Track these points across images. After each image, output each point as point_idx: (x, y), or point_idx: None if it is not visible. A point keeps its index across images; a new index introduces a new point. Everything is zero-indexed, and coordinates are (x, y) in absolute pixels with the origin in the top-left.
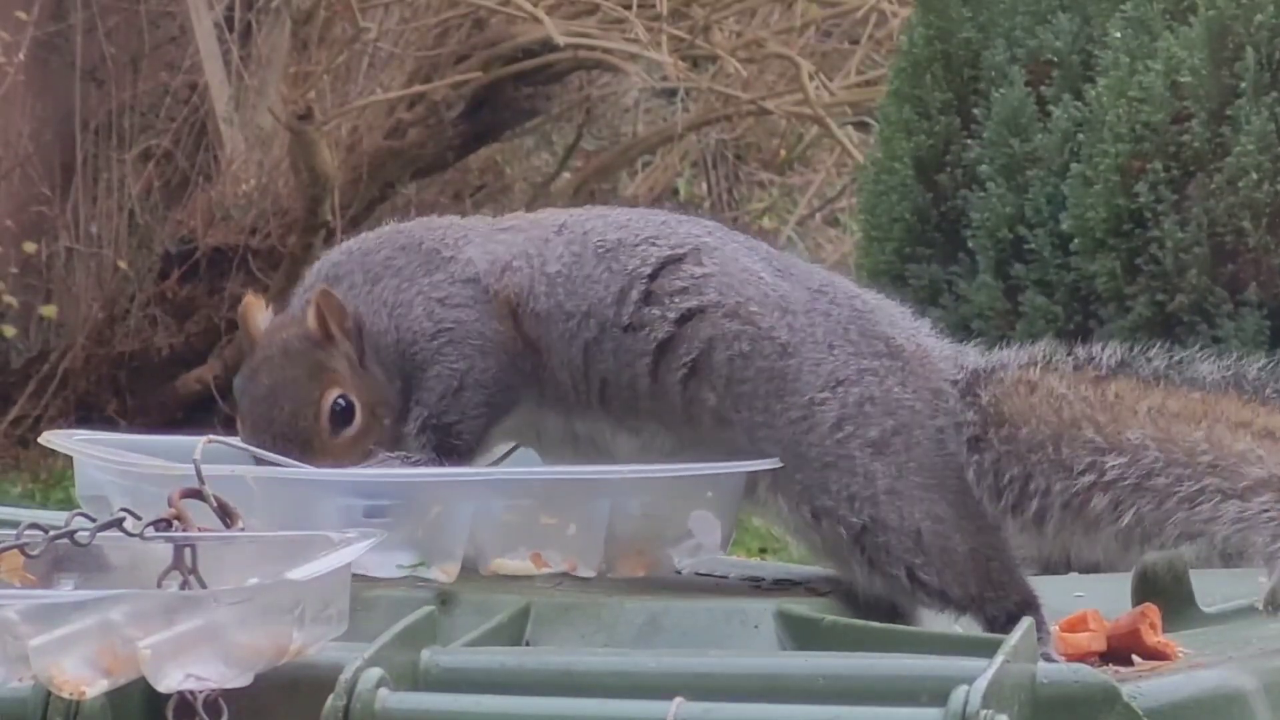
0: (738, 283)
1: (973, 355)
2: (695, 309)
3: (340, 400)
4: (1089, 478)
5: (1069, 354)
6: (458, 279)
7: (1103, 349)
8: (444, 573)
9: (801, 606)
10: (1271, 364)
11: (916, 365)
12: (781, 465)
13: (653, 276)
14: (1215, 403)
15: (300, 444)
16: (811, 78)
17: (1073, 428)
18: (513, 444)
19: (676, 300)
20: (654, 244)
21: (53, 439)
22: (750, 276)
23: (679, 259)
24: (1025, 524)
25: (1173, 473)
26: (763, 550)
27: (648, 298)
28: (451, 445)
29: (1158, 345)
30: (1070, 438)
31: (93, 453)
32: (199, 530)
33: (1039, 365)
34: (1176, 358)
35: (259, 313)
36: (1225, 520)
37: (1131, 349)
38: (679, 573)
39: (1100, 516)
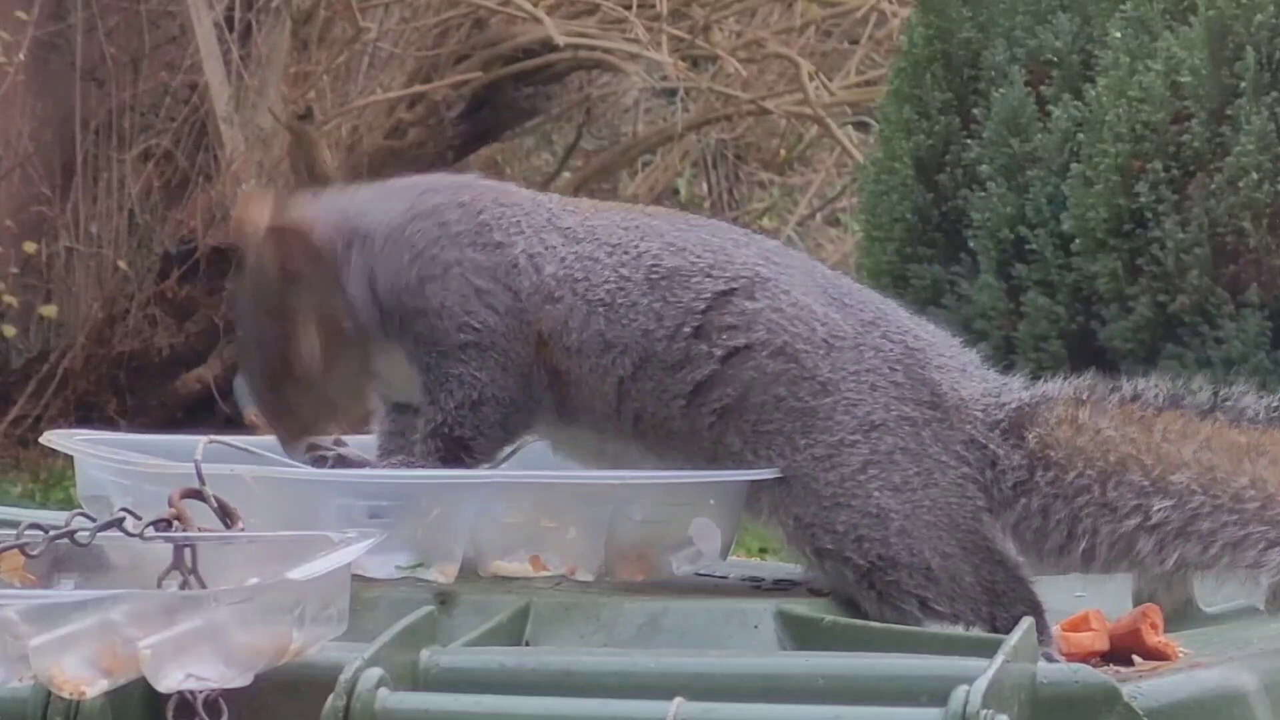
0: (788, 319)
1: (1016, 389)
2: (742, 346)
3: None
4: (1134, 520)
5: (1114, 389)
6: (500, 278)
7: (1149, 384)
8: (442, 574)
9: (801, 606)
10: None
11: (955, 417)
12: (784, 487)
13: (706, 311)
14: (1262, 442)
15: (282, 390)
16: (811, 78)
17: (1119, 470)
18: (516, 444)
19: (725, 337)
20: (710, 275)
21: (53, 439)
22: (802, 312)
23: (733, 292)
24: (1072, 564)
25: (1219, 518)
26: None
27: (698, 332)
28: (459, 459)
29: (1202, 379)
30: (1117, 480)
31: (93, 452)
32: (199, 530)
33: (1085, 403)
34: (1224, 394)
35: (260, 209)
36: (1270, 568)
37: (1178, 382)
38: (697, 574)
39: (1146, 559)
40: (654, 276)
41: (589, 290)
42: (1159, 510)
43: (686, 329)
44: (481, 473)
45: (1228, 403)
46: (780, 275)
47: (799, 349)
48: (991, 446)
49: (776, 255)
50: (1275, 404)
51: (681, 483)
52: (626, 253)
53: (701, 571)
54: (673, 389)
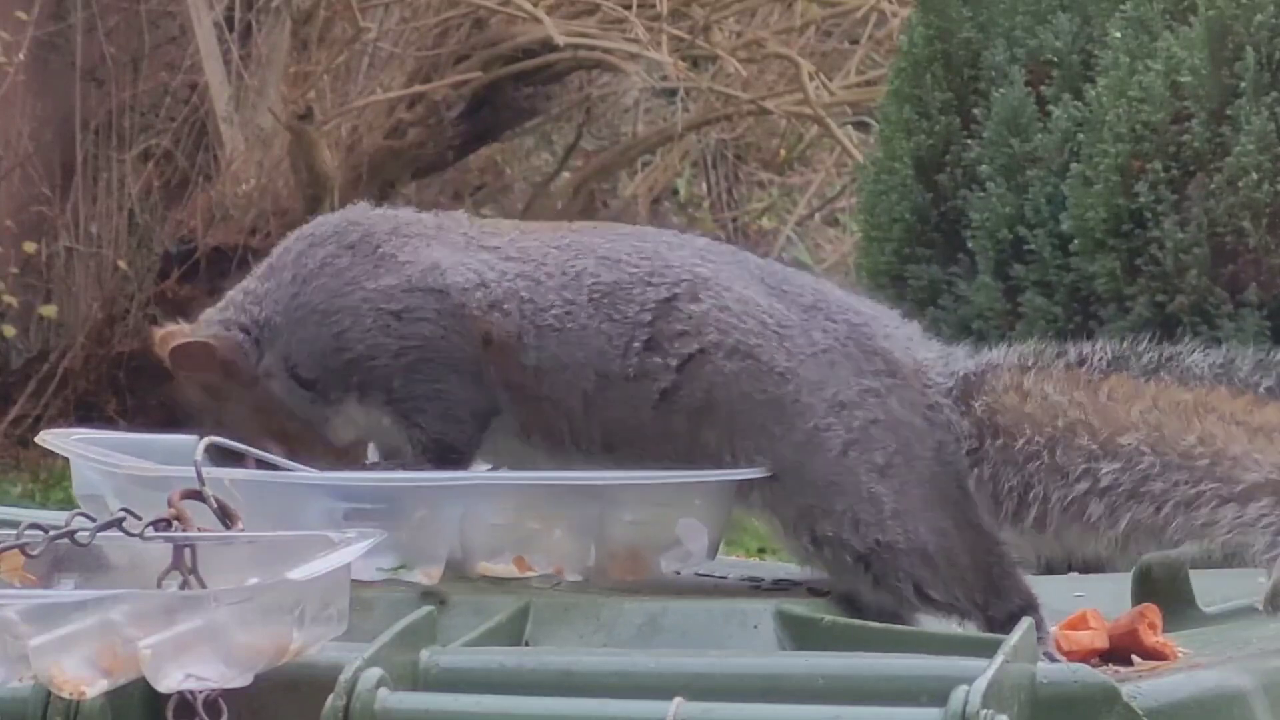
0: (735, 315)
1: (961, 357)
2: (696, 352)
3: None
4: (1084, 484)
5: (1060, 354)
6: (418, 285)
7: (1094, 347)
8: (426, 576)
9: (801, 606)
10: (1263, 357)
11: (914, 380)
12: (776, 482)
13: (652, 322)
14: (1209, 400)
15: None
16: (811, 78)
17: (1067, 435)
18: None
19: (677, 345)
20: (650, 284)
21: (48, 438)
22: (748, 306)
23: (675, 298)
24: (1025, 530)
25: (1169, 477)
26: (762, 550)
27: (649, 344)
28: (451, 461)
29: (1148, 339)
30: (1065, 445)
31: (80, 451)
32: (199, 530)
33: (1031, 369)
34: (1169, 352)
35: (167, 338)
36: (1223, 525)
37: (1122, 343)
38: (678, 573)
39: (1098, 522)
40: (595, 295)
41: (537, 314)
42: (1108, 473)
43: (637, 344)
44: (466, 474)
45: (1173, 361)
46: (719, 272)
47: (752, 344)
48: (947, 412)
49: (710, 252)
50: (1220, 361)
51: (666, 483)
52: (565, 274)
53: (701, 571)
54: (639, 397)
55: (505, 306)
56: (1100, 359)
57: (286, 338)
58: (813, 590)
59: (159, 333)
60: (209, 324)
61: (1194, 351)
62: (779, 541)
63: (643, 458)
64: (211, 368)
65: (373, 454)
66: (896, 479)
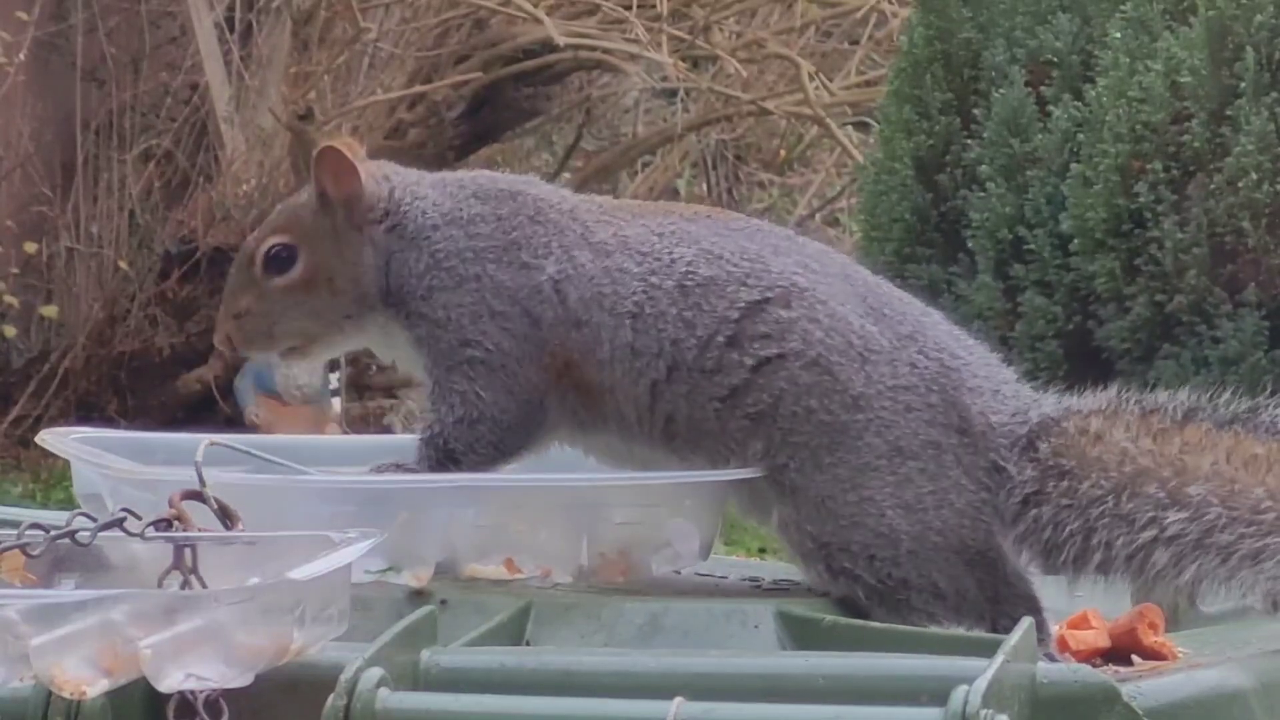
0: (823, 330)
1: (1046, 404)
2: (775, 356)
3: (278, 249)
4: (1150, 532)
5: (1136, 402)
6: (520, 300)
7: (1172, 395)
8: (415, 578)
9: (801, 606)
10: None
11: (980, 441)
12: (798, 505)
13: (740, 320)
14: None
15: (241, 274)
16: (811, 78)
17: (1135, 482)
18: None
19: (757, 346)
20: (745, 284)
21: (47, 439)
22: (838, 323)
23: (767, 301)
24: (1087, 576)
25: (1235, 530)
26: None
27: (731, 340)
28: (447, 468)
29: (1229, 392)
30: (1132, 492)
31: (74, 452)
32: (199, 530)
33: (1104, 414)
34: (1247, 405)
35: (352, 145)
36: None
37: (1201, 395)
38: (678, 573)
39: (1163, 571)
40: (687, 284)
41: (616, 304)
42: (1175, 522)
43: (720, 338)
44: (453, 476)
45: (1251, 414)
46: (818, 284)
47: (833, 360)
48: (1009, 468)
49: (817, 262)
50: None
51: (654, 484)
52: (658, 259)
53: (702, 571)
54: (708, 392)
55: (583, 317)
56: (1177, 409)
57: (402, 250)
58: (813, 590)
59: (341, 139)
60: (379, 165)
61: (1273, 407)
62: (795, 564)
63: (691, 457)
64: (345, 185)
65: (333, 381)
66: (920, 520)
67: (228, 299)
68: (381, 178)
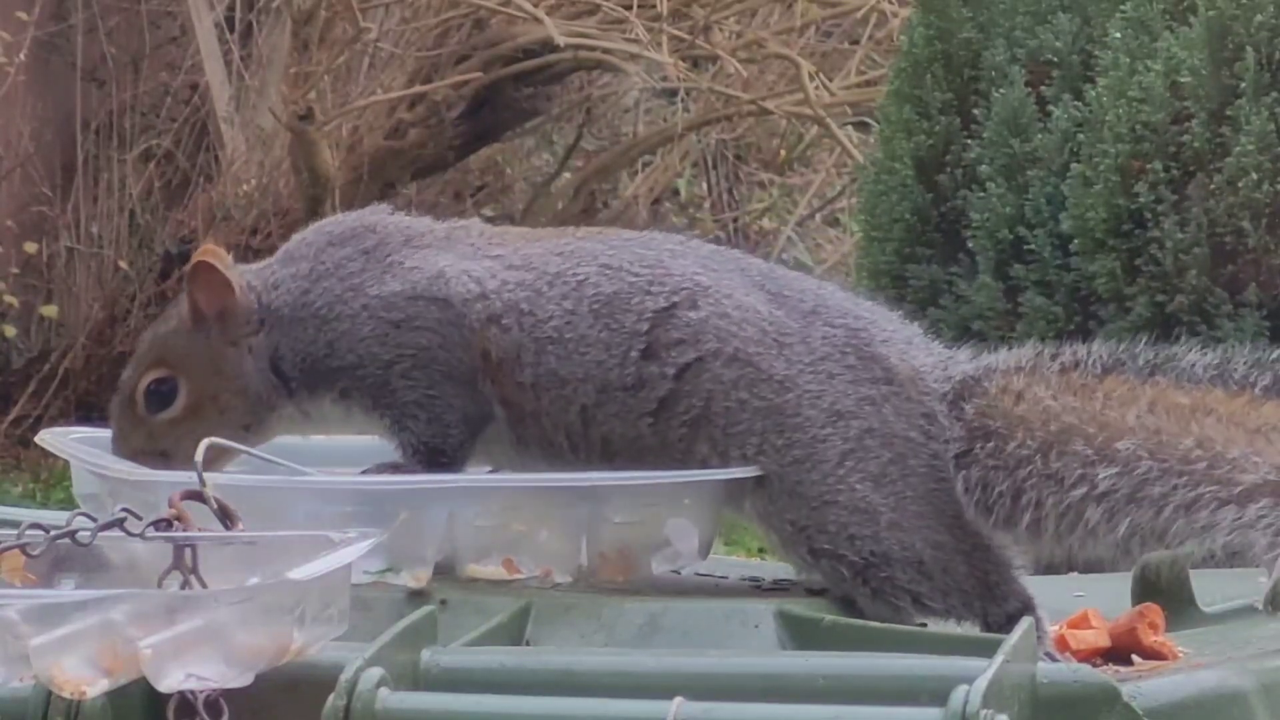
0: (735, 324)
1: (962, 361)
2: (694, 360)
3: (155, 384)
4: (1081, 490)
5: (1055, 357)
6: (420, 295)
7: (1090, 349)
8: (415, 579)
9: (801, 606)
10: (1260, 356)
11: (911, 389)
12: (770, 494)
13: (650, 330)
14: (1206, 401)
15: (126, 415)
16: (811, 78)
17: (1061, 440)
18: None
19: (674, 354)
20: (649, 293)
21: (46, 438)
22: (747, 314)
23: (674, 306)
24: (1019, 535)
25: (1167, 481)
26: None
27: (646, 353)
28: (441, 464)
29: (1145, 341)
30: (1059, 451)
31: (73, 452)
32: (199, 530)
33: (1024, 372)
34: (1165, 354)
35: (219, 256)
36: (1223, 526)
37: (1119, 346)
38: (678, 573)
39: (1096, 527)
40: (596, 305)
41: (535, 327)
42: (1105, 478)
43: (634, 353)
44: (451, 476)
45: (1170, 363)
46: (720, 281)
47: (751, 352)
48: (942, 420)
49: (713, 260)
50: (1217, 361)
51: (654, 484)
52: (566, 283)
53: (702, 571)
54: (638, 409)
55: (504, 321)
56: (1096, 362)
57: (284, 331)
58: (812, 590)
59: (209, 247)
60: (240, 274)
61: (1190, 352)
62: (776, 552)
63: (643, 468)
64: (216, 301)
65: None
66: (891, 490)
67: (118, 441)
68: (247, 286)
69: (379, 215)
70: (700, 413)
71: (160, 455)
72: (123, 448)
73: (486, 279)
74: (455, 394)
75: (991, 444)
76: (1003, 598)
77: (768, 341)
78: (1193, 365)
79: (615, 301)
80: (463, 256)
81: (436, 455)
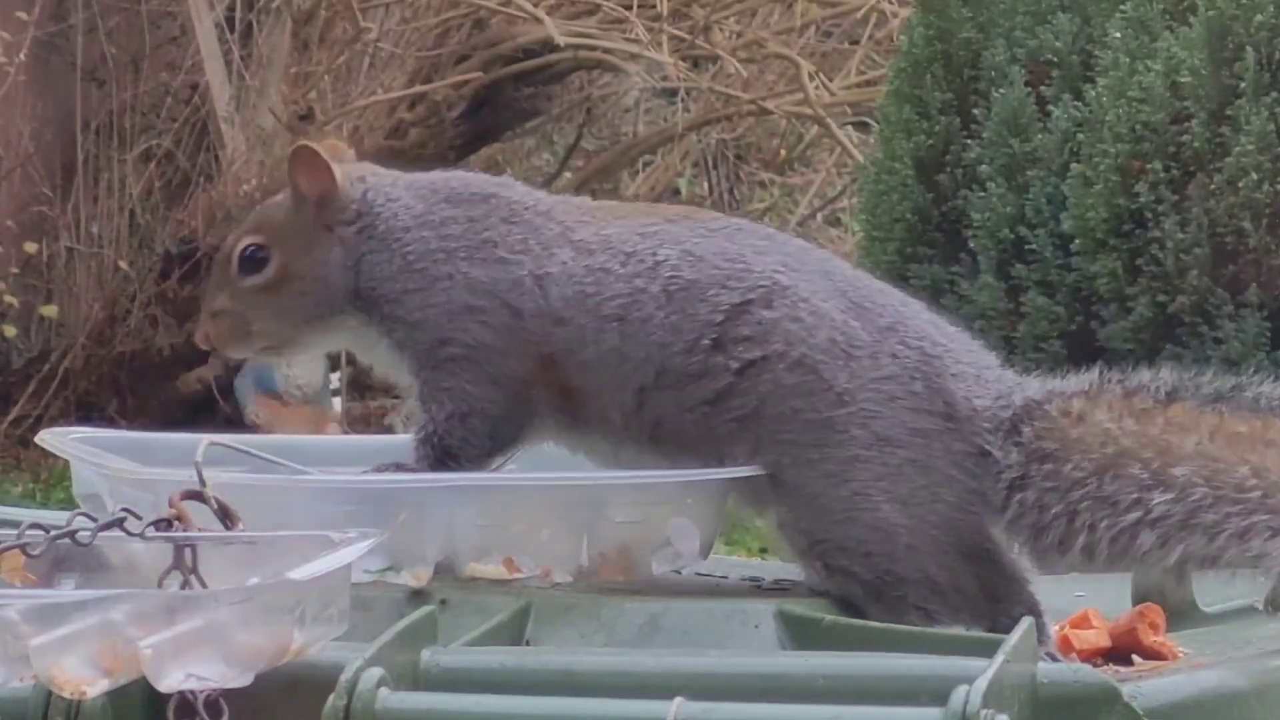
0: (806, 328)
1: (1032, 387)
2: (759, 359)
3: (252, 249)
4: (1135, 514)
5: (1118, 382)
6: (499, 294)
7: (1155, 375)
8: (415, 578)
9: (801, 606)
10: None
11: (966, 425)
12: (791, 505)
13: (723, 323)
14: (1265, 431)
15: (218, 274)
16: (811, 78)
17: (1118, 463)
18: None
19: (741, 350)
20: (726, 287)
21: (46, 438)
22: (820, 320)
23: (749, 303)
24: (1074, 560)
25: (1221, 509)
26: (763, 550)
27: (716, 344)
28: (447, 467)
29: (1212, 371)
30: (1115, 474)
31: (73, 451)
32: (199, 530)
33: (1087, 395)
34: (1231, 383)
35: (333, 146)
36: (1275, 556)
37: (1185, 374)
38: (678, 573)
39: (1149, 553)
40: (671, 289)
41: (600, 305)
42: (1159, 503)
43: (705, 342)
44: (453, 475)
45: (1235, 392)
46: (799, 282)
47: (817, 360)
48: (995, 453)
49: (797, 259)
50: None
51: (655, 483)
52: (642, 262)
53: (702, 571)
54: (694, 396)
55: (566, 315)
56: (1160, 388)
57: (374, 248)
58: (813, 590)
59: (329, 145)
60: (358, 167)
61: (1257, 384)
62: (792, 559)
63: (679, 459)
64: (317, 184)
65: (333, 381)
66: (915, 513)
67: (207, 297)
68: (356, 179)
69: (499, 186)
70: (752, 411)
71: (236, 321)
72: (207, 304)
73: (554, 284)
74: (492, 400)
75: (1048, 466)
76: (1010, 605)
77: (836, 351)
78: (1259, 397)
79: (693, 289)
80: (546, 246)
81: (445, 455)
